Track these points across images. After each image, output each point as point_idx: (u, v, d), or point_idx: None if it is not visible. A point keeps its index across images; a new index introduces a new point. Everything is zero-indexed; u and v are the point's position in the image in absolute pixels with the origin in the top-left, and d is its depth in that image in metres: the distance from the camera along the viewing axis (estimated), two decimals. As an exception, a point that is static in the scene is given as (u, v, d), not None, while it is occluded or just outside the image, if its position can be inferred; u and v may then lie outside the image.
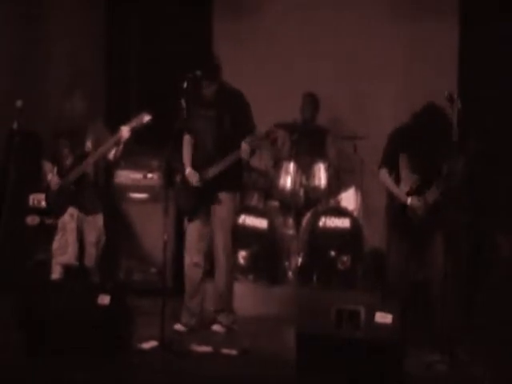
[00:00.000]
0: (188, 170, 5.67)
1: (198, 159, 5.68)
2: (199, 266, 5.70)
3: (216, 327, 5.65)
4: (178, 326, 5.60)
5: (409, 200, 5.21)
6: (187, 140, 5.77)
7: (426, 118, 5.23)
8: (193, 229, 5.70)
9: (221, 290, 5.68)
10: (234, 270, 6.70)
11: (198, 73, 5.44)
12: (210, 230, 5.68)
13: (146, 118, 5.52)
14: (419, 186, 5.23)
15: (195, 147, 5.73)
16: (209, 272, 5.90)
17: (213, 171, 5.55)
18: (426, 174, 5.22)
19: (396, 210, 5.31)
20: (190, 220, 5.72)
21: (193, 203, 5.68)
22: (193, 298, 5.70)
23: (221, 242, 5.65)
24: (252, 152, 5.58)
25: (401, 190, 5.27)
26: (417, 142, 5.22)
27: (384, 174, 5.38)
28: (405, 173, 5.28)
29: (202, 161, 5.64)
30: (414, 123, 5.29)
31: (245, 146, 5.45)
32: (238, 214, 6.84)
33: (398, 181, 5.33)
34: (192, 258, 5.69)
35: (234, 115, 5.58)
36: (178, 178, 5.78)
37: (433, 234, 5.22)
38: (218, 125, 5.59)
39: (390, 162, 5.36)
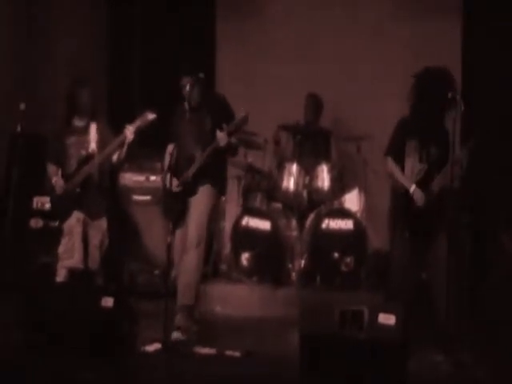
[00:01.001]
0: (168, 178, 5.52)
1: (181, 164, 5.55)
2: None
3: (176, 334, 5.26)
4: (178, 334, 5.35)
5: (412, 187, 5.19)
6: (170, 147, 5.66)
7: (426, 80, 5.22)
8: (177, 237, 5.52)
9: (182, 286, 5.41)
10: (237, 271, 6.75)
11: (201, 75, 5.44)
12: None
13: (151, 116, 5.51)
14: (425, 175, 5.21)
15: (178, 152, 5.59)
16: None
17: (191, 170, 5.44)
18: (432, 164, 5.21)
19: (400, 207, 5.29)
20: (175, 227, 5.50)
21: (175, 210, 5.54)
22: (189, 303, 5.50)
23: (190, 232, 5.44)
24: (233, 144, 5.47)
25: (406, 178, 5.25)
26: (422, 129, 5.20)
27: (390, 162, 5.35)
28: (410, 161, 5.26)
29: (184, 165, 5.52)
30: (413, 92, 5.27)
31: (220, 135, 5.32)
32: (241, 215, 6.89)
33: (402, 170, 5.31)
34: (178, 266, 5.54)
35: (215, 117, 5.45)
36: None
37: (436, 233, 5.22)
38: (199, 128, 5.51)
39: (395, 150, 5.33)
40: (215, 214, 5.73)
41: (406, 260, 5.28)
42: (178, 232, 5.51)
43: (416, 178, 5.23)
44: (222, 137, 5.31)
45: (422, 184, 5.21)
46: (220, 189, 5.64)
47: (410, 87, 5.32)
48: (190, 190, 5.48)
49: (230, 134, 5.33)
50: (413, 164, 5.26)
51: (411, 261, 5.28)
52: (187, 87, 5.38)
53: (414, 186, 5.20)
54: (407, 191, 5.22)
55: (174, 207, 5.53)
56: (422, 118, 5.22)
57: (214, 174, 5.49)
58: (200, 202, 5.46)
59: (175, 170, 5.51)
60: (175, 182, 5.50)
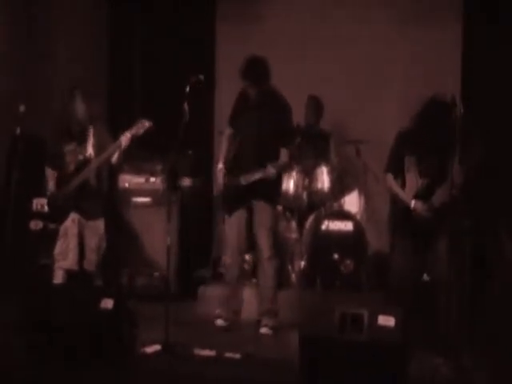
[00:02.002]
0: (219, 167, 5.86)
1: (238, 159, 5.84)
2: (235, 265, 5.93)
3: (263, 330, 5.77)
4: (220, 322, 5.83)
5: (413, 203, 5.20)
6: (227, 134, 5.94)
7: (429, 113, 5.22)
8: (229, 228, 5.92)
9: (264, 294, 5.86)
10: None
11: (201, 76, 5.44)
12: (245, 231, 5.89)
13: (146, 124, 5.56)
14: (425, 190, 5.22)
15: (237, 146, 5.88)
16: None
17: (246, 179, 5.69)
18: (432, 178, 5.21)
19: (401, 214, 5.30)
20: (228, 217, 5.92)
21: (231, 203, 5.88)
22: (232, 296, 5.95)
23: (264, 248, 5.80)
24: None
25: (406, 194, 5.26)
26: (422, 144, 5.21)
27: (390, 179, 5.37)
28: (410, 177, 5.27)
29: (240, 161, 5.81)
30: (417, 121, 5.28)
31: (270, 169, 5.62)
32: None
33: (403, 185, 5.33)
34: (228, 257, 5.96)
35: (276, 120, 5.69)
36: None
37: (436, 237, 5.22)
38: (260, 127, 5.71)
39: (395, 165, 5.36)
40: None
41: (405, 262, 5.27)
42: (228, 225, 5.93)
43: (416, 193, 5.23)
44: (271, 171, 5.64)
45: (423, 198, 5.21)
46: (275, 198, 5.99)
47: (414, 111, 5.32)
48: (246, 192, 5.74)
49: (278, 170, 5.72)
50: (413, 179, 5.26)
51: (411, 263, 5.27)
52: (189, 88, 5.40)
53: (414, 202, 5.21)
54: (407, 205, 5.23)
55: (230, 200, 5.88)
56: (422, 132, 5.21)
57: (271, 190, 5.82)
58: (265, 224, 5.81)
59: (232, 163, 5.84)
60: (221, 177, 5.81)
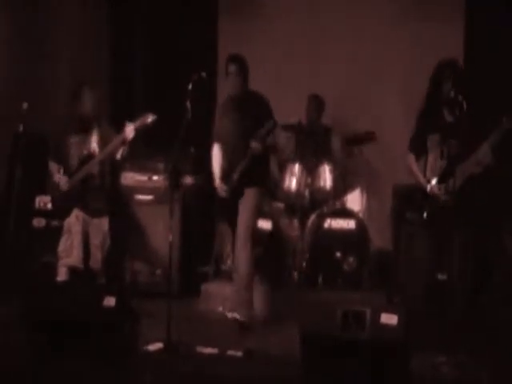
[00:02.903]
0: (217, 182, 5.79)
1: (226, 163, 5.80)
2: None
3: (233, 314, 5.68)
4: (231, 315, 5.74)
5: (429, 187, 5.12)
6: (216, 149, 5.87)
7: (440, 73, 5.17)
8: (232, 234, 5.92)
9: (240, 281, 5.73)
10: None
11: (203, 74, 5.45)
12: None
13: (150, 117, 5.55)
14: (444, 173, 5.12)
15: (222, 151, 5.84)
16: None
17: (234, 177, 5.65)
18: (453, 160, 5.05)
19: (408, 199, 5.23)
20: (232, 227, 5.89)
21: (227, 211, 5.84)
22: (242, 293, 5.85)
23: (241, 227, 5.71)
24: (270, 145, 5.68)
25: (424, 178, 5.15)
26: (444, 119, 5.13)
27: (411, 159, 5.24)
28: (431, 157, 5.18)
29: (229, 164, 5.76)
30: (431, 86, 5.21)
31: (254, 144, 5.51)
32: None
33: (425, 165, 5.20)
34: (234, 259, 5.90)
35: (257, 120, 5.61)
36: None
37: (450, 230, 5.13)
38: (243, 128, 5.66)
39: (417, 145, 5.22)
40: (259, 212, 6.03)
41: (413, 258, 5.23)
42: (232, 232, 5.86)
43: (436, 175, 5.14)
44: (255, 146, 5.53)
45: (442, 181, 5.13)
46: (265, 188, 5.90)
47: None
48: (236, 192, 5.68)
49: (262, 141, 5.53)
50: (434, 160, 5.17)
51: (418, 260, 5.22)
52: (191, 86, 5.40)
53: (431, 186, 5.13)
54: (417, 189, 5.15)
55: (225, 210, 5.82)
56: (439, 110, 5.14)
57: (257, 174, 5.69)
58: (247, 205, 5.70)
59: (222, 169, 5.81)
60: (224, 188, 5.71)
